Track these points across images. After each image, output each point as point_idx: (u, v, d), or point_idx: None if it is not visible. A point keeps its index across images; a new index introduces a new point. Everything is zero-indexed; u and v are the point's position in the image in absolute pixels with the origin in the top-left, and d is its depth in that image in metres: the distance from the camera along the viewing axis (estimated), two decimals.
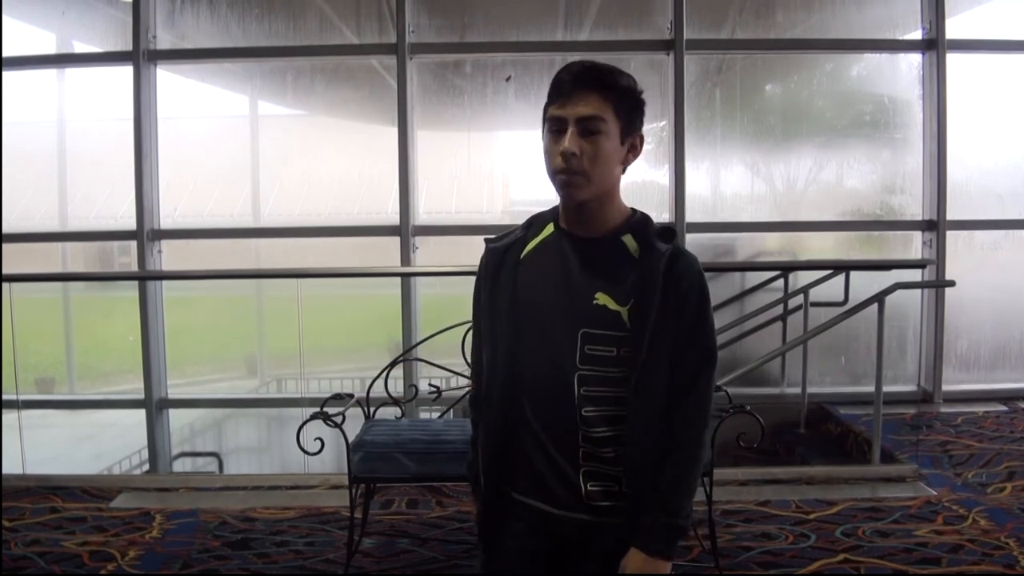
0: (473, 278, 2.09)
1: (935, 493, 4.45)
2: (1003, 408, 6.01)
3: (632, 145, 1.94)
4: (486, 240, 2.02)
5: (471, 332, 2.10)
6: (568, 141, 1.83)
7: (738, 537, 3.91)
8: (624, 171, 1.96)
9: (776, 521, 4.10)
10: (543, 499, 1.93)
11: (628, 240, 1.91)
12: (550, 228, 1.97)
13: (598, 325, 1.85)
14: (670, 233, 1.93)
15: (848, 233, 6.62)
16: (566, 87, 1.86)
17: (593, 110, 1.84)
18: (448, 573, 3.64)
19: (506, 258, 1.95)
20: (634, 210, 1.98)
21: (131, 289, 6.35)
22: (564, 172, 1.84)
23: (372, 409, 4.07)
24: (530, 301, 1.90)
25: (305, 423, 3.68)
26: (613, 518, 1.89)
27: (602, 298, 1.85)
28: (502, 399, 1.94)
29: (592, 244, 1.91)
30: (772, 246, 6.72)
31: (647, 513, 1.85)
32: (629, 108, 1.91)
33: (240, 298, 6.95)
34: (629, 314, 1.84)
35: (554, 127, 1.87)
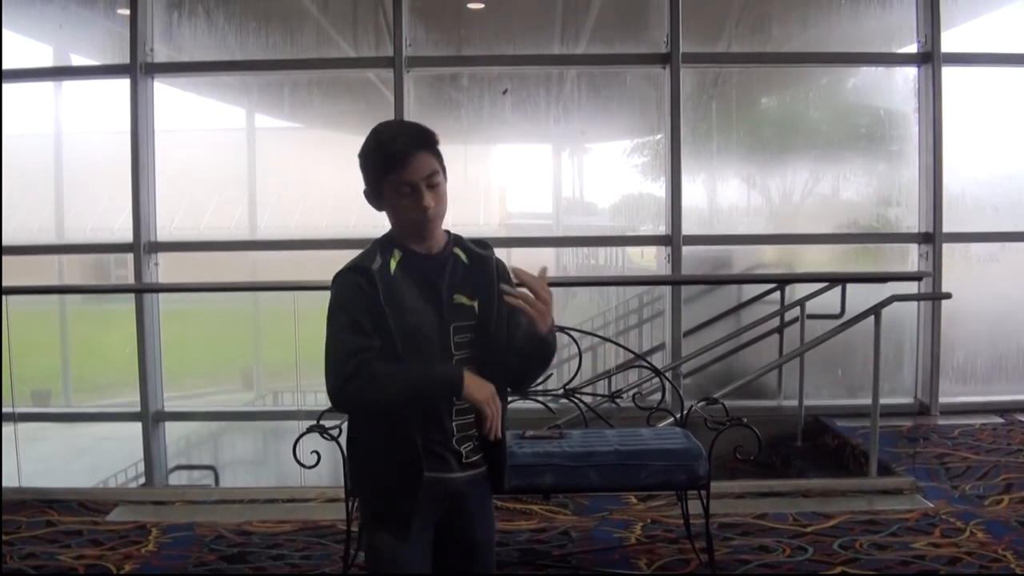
0: None
1: (932, 506, 4.45)
2: (1000, 420, 6.01)
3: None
4: (356, 266, 2.30)
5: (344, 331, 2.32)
6: (426, 199, 2.23)
7: (735, 550, 3.90)
8: None
9: (773, 534, 4.09)
10: (432, 468, 2.27)
11: (459, 252, 2.37)
12: (398, 253, 2.33)
13: (462, 319, 2.31)
14: (486, 243, 2.43)
15: (844, 245, 6.63)
16: (405, 154, 2.22)
17: (432, 167, 2.25)
18: None
19: (383, 277, 2.28)
20: (446, 231, 2.41)
21: (128, 301, 6.34)
22: (426, 221, 2.25)
23: None
24: (412, 311, 2.27)
25: (301, 436, 3.68)
26: (477, 470, 2.35)
27: (458, 298, 2.31)
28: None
29: (437, 259, 2.34)
30: (768, 258, 6.74)
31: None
32: (440, 155, 2.31)
33: (236, 311, 6.95)
34: (479, 305, 2.32)
35: (406, 191, 2.24)
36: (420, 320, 2.26)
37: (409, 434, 2.26)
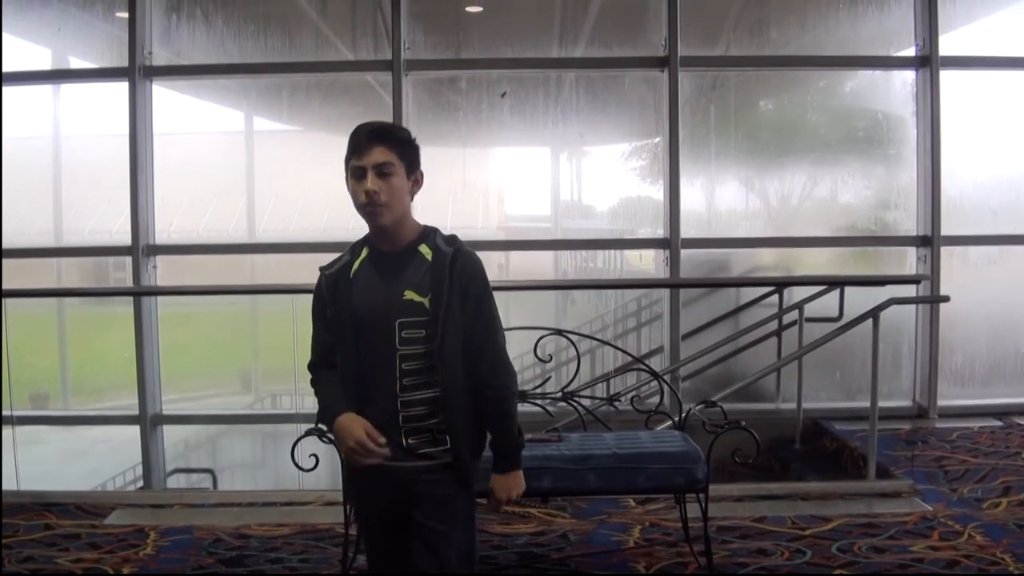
0: None
1: (931, 509, 4.45)
2: (998, 423, 6.01)
3: (415, 180, 2.56)
4: (321, 268, 2.62)
5: (314, 327, 2.66)
6: (369, 183, 2.42)
7: (734, 554, 3.91)
8: (412, 199, 2.56)
9: (772, 537, 4.09)
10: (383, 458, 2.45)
11: (423, 248, 2.51)
12: (366, 251, 2.57)
13: (409, 314, 2.43)
14: (453, 239, 2.55)
15: (843, 249, 6.63)
16: (363, 143, 2.45)
17: (383, 158, 2.44)
18: None
19: (340, 278, 2.54)
20: (424, 226, 2.59)
21: (126, 304, 6.34)
22: (369, 205, 2.44)
23: None
24: (361, 307, 2.47)
25: (300, 439, 3.68)
26: (433, 461, 2.47)
27: (409, 294, 2.44)
28: (347, 385, 2.52)
29: (397, 256, 2.51)
30: (767, 262, 6.74)
31: (495, 447, 2.55)
32: (409, 154, 2.53)
33: (235, 314, 6.94)
34: (430, 302, 2.42)
35: (357, 173, 2.46)
36: (366, 316, 2.45)
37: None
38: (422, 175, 2.59)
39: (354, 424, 2.43)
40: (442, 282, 2.43)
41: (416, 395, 2.45)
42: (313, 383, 2.65)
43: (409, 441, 2.46)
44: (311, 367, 2.67)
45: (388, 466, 2.46)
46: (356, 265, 2.54)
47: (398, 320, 2.43)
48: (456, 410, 2.46)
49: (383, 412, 2.46)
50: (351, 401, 2.49)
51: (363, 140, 2.46)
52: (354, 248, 2.60)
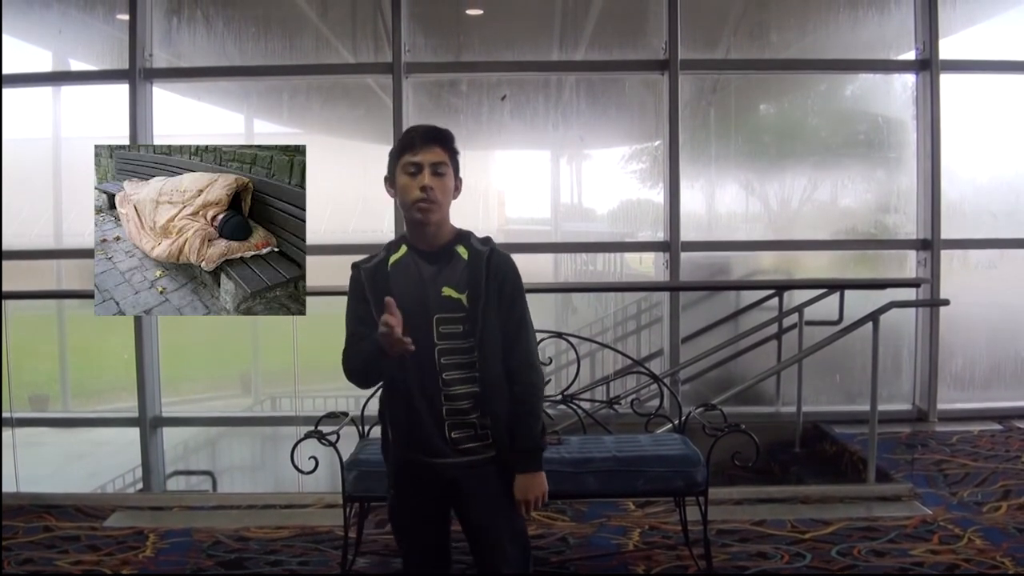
0: None
1: (931, 512, 4.45)
2: (998, 427, 6.01)
3: (456, 186, 2.64)
4: (355, 263, 2.66)
5: (348, 319, 2.68)
6: (426, 179, 2.51)
7: (733, 557, 3.90)
8: (450, 204, 2.63)
9: (771, 541, 4.09)
10: (424, 452, 2.55)
11: (459, 248, 2.60)
12: (403, 248, 2.63)
13: (447, 310, 2.52)
14: (487, 240, 2.64)
15: (843, 252, 6.62)
16: (420, 141, 2.55)
17: (440, 158, 2.55)
18: None
19: (377, 272, 2.60)
20: (459, 229, 2.67)
21: None
22: (423, 201, 2.51)
23: (367, 428, 4.07)
24: (399, 301, 2.44)
25: (299, 442, 3.68)
26: (477, 456, 2.55)
27: (447, 290, 2.52)
28: (391, 380, 2.59)
29: (435, 254, 2.59)
30: (767, 265, 6.74)
31: (514, 444, 2.55)
32: (456, 159, 2.63)
33: (235, 316, 6.93)
34: (467, 298, 2.52)
35: (411, 170, 2.53)
36: (405, 311, 2.43)
37: (397, 420, 2.60)
38: (461, 182, 2.67)
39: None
40: (479, 280, 2.52)
41: (458, 389, 2.52)
42: (345, 369, 2.65)
43: (453, 435, 2.54)
44: (344, 357, 2.67)
45: (433, 463, 2.55)
46: (393, 261, 2.61)
47: (436, 315, 2.51)
48: (497, 404, 2.55)
49: (427, 406, 2.52)
50: None
51: (420, 139, 2.56)
52: (389, 246, 2.67)
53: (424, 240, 2.59)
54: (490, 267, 2.55)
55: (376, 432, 4.04)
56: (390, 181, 2.62)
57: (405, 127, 6.08)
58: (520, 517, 2.65)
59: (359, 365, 2.60)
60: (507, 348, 2.56)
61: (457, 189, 2.65)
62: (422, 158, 2.53)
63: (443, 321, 2.52)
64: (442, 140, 2.59)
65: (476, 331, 2.51)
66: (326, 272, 6.34)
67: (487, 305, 2.52)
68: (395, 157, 2.60)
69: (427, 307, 2.51)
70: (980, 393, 6.45)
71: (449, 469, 2.55)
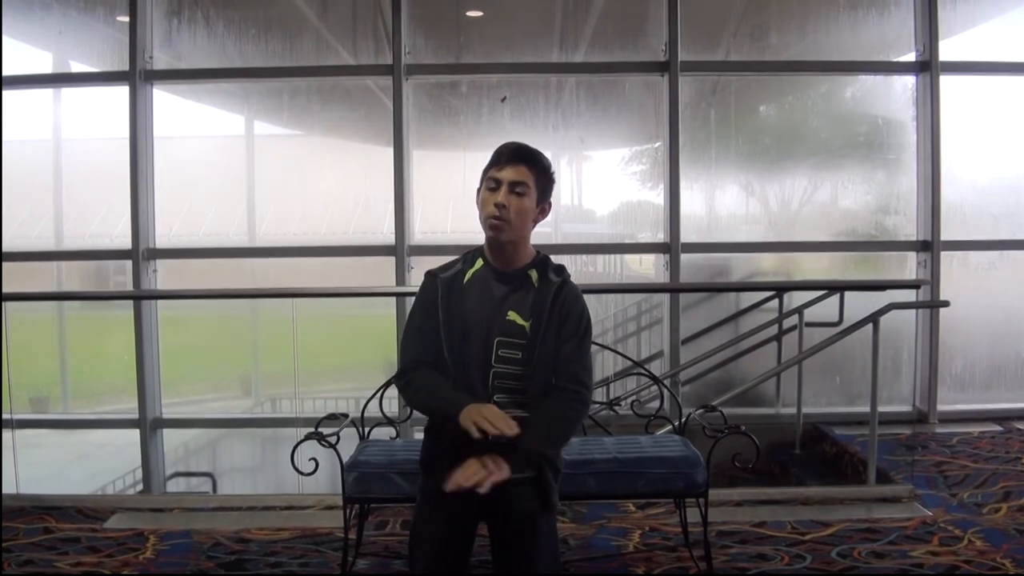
0: None
1: (931, 514, 4.45)
2: (998, 428, 6.01)
3: (542, 209, 2.65)
4: (431, 271, 2.67)
5: (411, 332, 2.67)
6: (502, 196, 2.53)
7: (733, 558, 3.90)
8: (534, 227, 2.66)
9: (771, 542, 4.09)
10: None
11: (532, 274, 2.63)
12: (480, 263, 2.66)
13: (509, 334, 2.55)
14: (561, 269, 2.66)
15: (843, 253, 6.62)
16: (504, 158, 2.57)
17: (521, 177, 2.55)
18: None
19: (453, 284, 2.61)
20: (538, 251, 2.69)
21: (126, 308, 6.34)
22: (495, 218, 2.54)
23: (367, 429, 4.07)
24: (467, 318, 2.55)
25: (300, 443, 3.68)
26: (516, 475, 2.46)
27: (512, 315, 2.55)
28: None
29: (508, 276, 2.62)
30: (767, 266, 6.74)
31: (530, 433, 2.46)
32: (545, 182, 2.63)
33: (235, 318, 6.94)
34: (531, 327, 2.55)
35: (491, 185, 2.57)
36: (469, 330, 2.54)
37: (443, 434, 2.56)
38: (550, 207, 2.68)
39: (477, 407, 2.42)
40: (543, 310, 2.55)
41: (507, 413, 2.47)
42: (407, 385, 2.64)
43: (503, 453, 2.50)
44: (402, 374, 2.65)
45: None
46: (468, 275, 2.64)
47: (497, 338, 2.55)
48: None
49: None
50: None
51: (506, 156, 2.58)
52: (466, 258, 2.69)
53: (500, 259, 2.63)
54: (556, 300, 2.57)
55: (376, 434, 4.09)
56: (478, 191, 2.65)
57: (405, 129, 6.13)
58: (554, 548, 2.67)
59: (427, 403, 2.61)
60: (563, 363, 2.57)
61: (543, 212, 2.66)
62: (503, 175, 2.55)
63: (503, 344, 2.55)
64: (529, 160, 2.59)
65: (532, 359, 2.54)
66: (327, 273, 6.38)
67: (546, 335, 2.54)
68: (484, 171, 2.63)
69: (490, 328, 2.54)
70: (980, 394, 6.45)
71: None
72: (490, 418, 2.36)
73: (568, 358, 2.58)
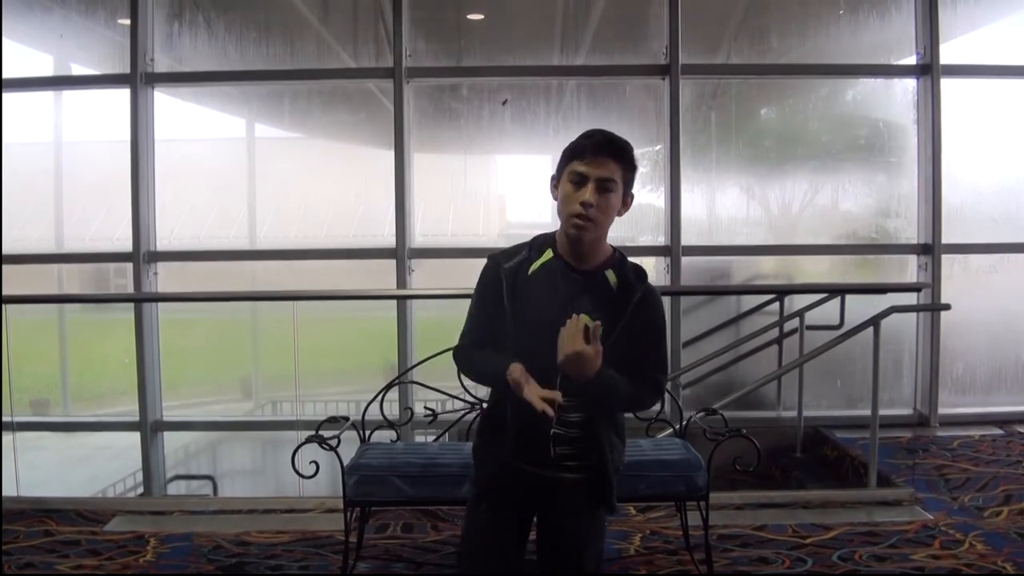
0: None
1: (932, 517, 4.45)
2: (999, 432, 6.01)
3: (625, 202, 2.50)
4: (495, 256, 2.53)
5: (473, 311, 2.60)
6: (589, 194, 2.35)
7: (734, 562, 3.90)
8: (611, 222, 2.49)
9: (773, 545, 4.09)
10: (526, 461, 2.51)
11: (610, 275, 2.47)
12: (549, 253, 2.49)
13: None
14: (642, 273, 2.52)
15: (843, 257, 6.62)
16: (593, 151, 2.39)
17: (609, 173, 2.38)
18: None
19: (518, 274, 2.47)
20: (614, 249, 2.54)
21: (127, 311, 6.35)
22: (580, 217, 2.36)
23: (367, 432, 4.07)
24: (532, 311, 2.42)
25: (300, 446, 3.67)
26: (573, 474, 2.50)
27: (584, 318, 2.29)
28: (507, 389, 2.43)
29: (583, 275, 2.46)
30: (767, 269, 6.73)
31: (604, 372, 2.34)
32: (630, 176, 2.48)
33: (235, 320, 6.95)
34: (602, 329, 2.30)
35: (575, 179, 2.38)
36: (536, 323, 2.40)
37: (505, 426, 2.48)
38: (632, 198, 2.54)
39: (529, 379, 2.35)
40: (619, 317, 2.42)
41: (571, 415, 2.47)
42: (463, 361, 2.61)
43: (557, 451, 2.49)
44: (460, 350, 2.61)
45: (532, 471, 2.52)
46: (535, 266, 2.50)
47: None
48: (605, 432, 2.51)
49: (538, 421, 2.37)
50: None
51: (593, 148, 2.41)
52: (533, 246, 2.55)
53: (575, 255, 2.48)
54: (638, 309, 2.45)
55: (377, 437, 4.09)
56: (555, 181, 2.50)
57: (406, 132, 6.12)
58: (600, 546, 2.63)
59: (485, 373, 2.54)
60: (634, 364, 2.45)
61: (626, 206, 2.50)
62: (590, 170, 2.38)
63: None
64: (618, 154, 2.43)
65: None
66: (327, 276, 6.38)
67: (618, 341, 2.40)
68: (565, 158, 2.46)
69: (558, 325, 2.32)
70: (981, 397, 6.45)
71: (546, 480, 2.52)
72: (528, 396, 2.31)
73: (647, 353, 2.49)
